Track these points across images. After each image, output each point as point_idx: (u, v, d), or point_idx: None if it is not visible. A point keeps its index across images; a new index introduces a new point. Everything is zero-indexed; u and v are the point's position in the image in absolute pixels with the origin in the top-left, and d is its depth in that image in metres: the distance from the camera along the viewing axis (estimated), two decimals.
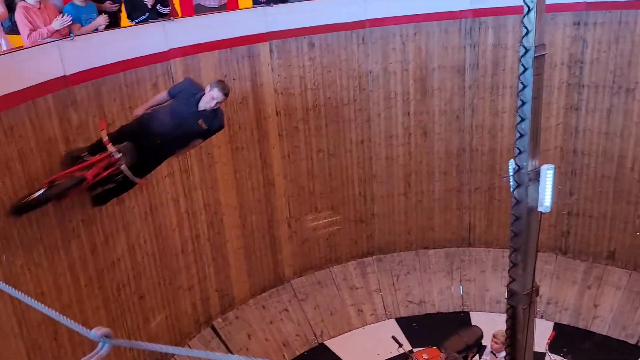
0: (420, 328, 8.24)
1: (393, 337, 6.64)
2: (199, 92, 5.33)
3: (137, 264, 6.45)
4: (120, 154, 5.07)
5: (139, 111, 5.38)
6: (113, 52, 5.89)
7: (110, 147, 5.03)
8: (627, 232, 7.93)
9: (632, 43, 7.19)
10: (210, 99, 5.25)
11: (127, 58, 6.06)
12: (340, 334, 8.23)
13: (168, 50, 6.47)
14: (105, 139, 5.07)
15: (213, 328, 7.63)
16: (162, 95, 5.50)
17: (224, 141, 7.31)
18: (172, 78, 6.55)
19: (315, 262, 8.66)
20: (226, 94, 5.32)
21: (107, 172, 5.15)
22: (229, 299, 7.88)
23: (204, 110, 5.30)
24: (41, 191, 4.83)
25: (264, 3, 7.57)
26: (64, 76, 5.40)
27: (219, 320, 7.73)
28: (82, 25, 6.05)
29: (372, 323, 8.40)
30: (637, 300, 7.77)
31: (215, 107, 5.32)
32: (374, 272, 8.84)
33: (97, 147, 5.21)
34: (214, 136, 7.10)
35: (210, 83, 5.34)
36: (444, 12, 7.84)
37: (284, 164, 7.98)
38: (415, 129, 8.40)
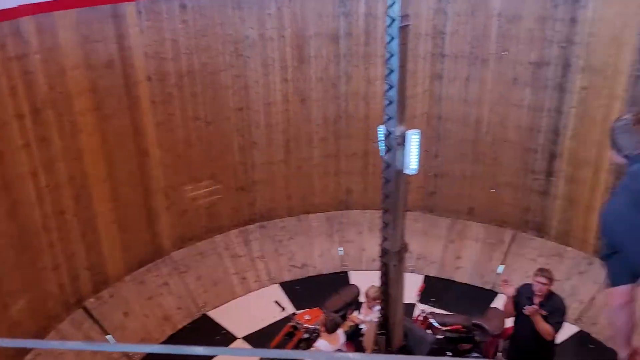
0: (303, 291, 8.49)
1: (276, 302, 6.79)
2: None
3: None
4: None
5: None
6: None
7: None
8: (484, 190, 8.74)
9: (485, 17, 7.77)
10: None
11: None
12: (223, 304, 8.23)
13: (17, 7, 5.82)
14: None
15: (85, 309, 7.23)
16: None
17: (89, 108, 6.81)
18: (24, 38, 5.93)
19: (196, 232, 8.51)
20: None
21: None
22: (102, 276, 7.49)
23: None
24: None
25: None
26: None
27: (92, 300, 7.34)
28: None
29: (255, 290, 8.50)
30: (492, 250, 8.66)
31: None
32: (257, 239, 8.90)
33: None
34: (76, 103, 6.62)
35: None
36: None
37: (158, 132, 7.65)
38: (293, 95, 8.46)
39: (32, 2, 5.93)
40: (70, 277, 7.05)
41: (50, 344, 6.39)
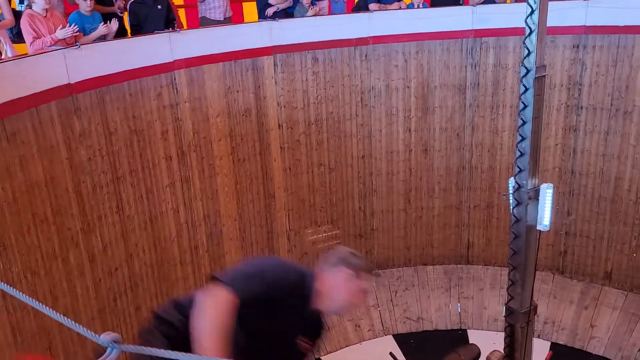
0: (418, 345, 8.21)
1: (391, 354, 6.62)
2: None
3: (134, 274, 6.44)
4: None
5: None
6: (118, 61, 5.96)
7: None
8: (624, 253, 7.95)
9: (630, 67, 7.27)
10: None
11: (132, 67, 6.13)
12: (337, 350, 8.19)
13: (173, 61, 6.54)
14: None
15: None
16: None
17: (226, 152, 7.36)
18: (176, 89, 6.62)
19: None
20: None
21: None
22: None
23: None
24: None
25: (269, 17, 7.69)
26: (69, 84, 5.46)
27: None
28: (84, 34, 6.13)
29: (369, 339, 8.36)
30: (633, 321, 7.77)
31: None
32: (373, 287, 8.83)
33: None
34: (215, 147, 7.20)
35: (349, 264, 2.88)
36: (446, 31, 7.94)
37: (285, 177, 8.01)
38: (415, 145, 8.46)
39: (186, 57, 6.63)
40: None
41: None
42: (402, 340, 8.32)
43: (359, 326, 8.45)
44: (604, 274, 8.20)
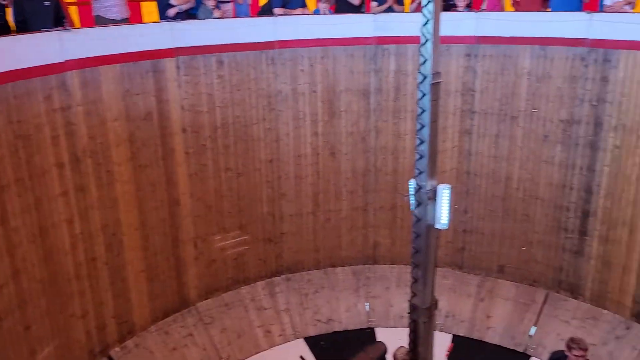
0: (328, 347, 8.31)
1: (301, 357, 6.66)
2: None
3: (22, 290, 5.95)
4: None
5: None
6: (0, 60, 5.49)
7: None
8: (514, 247, 8.57)
9: (515, 75, 7.87)
10: None
11: (17, 68, 5.68)
12: (247, 357, 8.09)
13: (64, 62, 6.15)
14: None
15: (110, 358, 7.20)
16: None
17: (126, 158, 7.03)
18: (68, 91, 6.23)
19: (222, 283, 8.50)
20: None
21: None
22: (128, 325, 7.49)
23: None
24: None
25: (170, 18, 7.46)
26: None
27: (117, 349, 7.32)
28: None
29: (280, 344, 8.35)
30: (524, 310, 8.39)
31: None
32: (283, 291, 8.83)
33: None
34: (114, 153, 6.86)
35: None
36: (350, 37, 8.15)
37: (190, 183, 7.81)
38: (323, 149, 8.59)
39: (79, 57, 6.25)
40: (98, 325, 7.07)
41: None
42: (313, 342, 8.39)
43: (270, 332, 8.41)
44: (498, 268, 8.79)
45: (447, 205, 4.96)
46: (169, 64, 7.25)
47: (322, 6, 8.49)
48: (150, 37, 7.05)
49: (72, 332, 6.71)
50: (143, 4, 9.42)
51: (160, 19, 7.79)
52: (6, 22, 6.61)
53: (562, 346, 6.03)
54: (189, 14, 8.00)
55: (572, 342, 5.58)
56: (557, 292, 8.34)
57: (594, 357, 7.23)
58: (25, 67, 5.75)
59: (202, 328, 8.07)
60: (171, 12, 7.65)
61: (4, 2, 6.52)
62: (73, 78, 6.28)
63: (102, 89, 6.65)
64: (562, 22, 7.38)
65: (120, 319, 7.37)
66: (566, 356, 5.70)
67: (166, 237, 7.73)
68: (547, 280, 8.42)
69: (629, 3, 7.35)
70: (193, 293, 8.22)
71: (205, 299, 8.34)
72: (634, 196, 7.27)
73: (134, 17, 8.59)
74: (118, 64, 6.76)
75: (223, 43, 7.57)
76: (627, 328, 7.60)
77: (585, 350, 5.49)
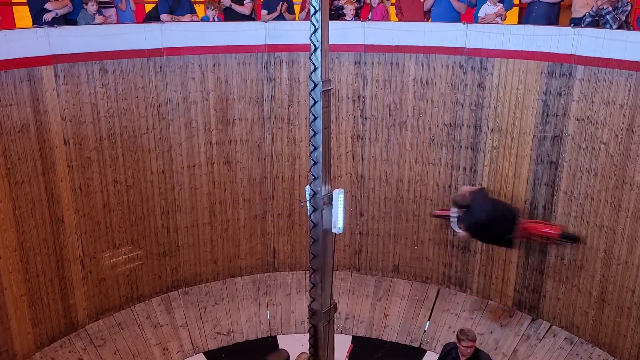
0: (230, 359, 8.15)
1: None
2: None
3: None
4: None
5: None
6: None
7: None
8: (407, 246, 8.97)
9: (402, 82, 8.26)
10: None
11: None
12: None
13: None
14: None
15: None
16: None
17: (0, 174, 6.43)
18: None
19: (114, 302, 8.03)
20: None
21: None
22: (8, 355, 6.83)
23: None
24: None
25: (46, 24, 6.96)
26: None
27: None
28: None
29: None
30: (418, 306, 8.79)
31: None
32: (180, 306, 8.52)
33: None
34: None
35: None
36: (241, 45, 8.09)
37: (75, 198, 7.31)
38: (218, 157, 8.43)
39: None
40: None
41: None
42: (213, 356, 8.18)
43: (167, 349, 8.07)
44: (393, 267, 9.14)
45: (342, 209, 5.08)
46: (46, 72, 6.75)
47: (211, 13, 8.35)
48: (23, 44, 6.52)
49: None
50: (15, 8, 8.72)
51: (34, 24, 7.24)
52: None
53: (453, 338, 6.39)
54: (67, 20, 7.52)
55: (461, 334, 5.93)
56: (448, 287, 8.84)
57: (482, 345, 7.75)
58: None
59: (93, 351, 7.57)
60: (47, 16, 7.15)
61: None
62: None
63: None
64: (442, 32, 7.86)
65: (0, 348, 6.71)
66: (457, 347, 6.05)
67: (49, 257, 7.17)
68: (439, 276, 8.90)
69: (499, 15, 7.99)
70: (82, 315, 7.68)
71: (96, 320, 7.84)
72: (511, 193, 7.90)
73: (5, 23, 7.92)
74: None
75: (106, 50, 7.19)
76: (510, 316, 8.22)
77: (474, 340, 5.86)
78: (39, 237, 6.98)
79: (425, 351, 8.33)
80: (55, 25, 6.88)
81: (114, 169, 7.60)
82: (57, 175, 7.07)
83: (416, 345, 8.45)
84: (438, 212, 8.29)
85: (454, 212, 7.47)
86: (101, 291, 7.85)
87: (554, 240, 7.17)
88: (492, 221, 7.14)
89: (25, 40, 6.57)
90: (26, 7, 7.74)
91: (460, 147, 8.19)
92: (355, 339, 8.49)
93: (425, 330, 8.52)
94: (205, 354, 8.22)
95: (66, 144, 7.09)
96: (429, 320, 8.62)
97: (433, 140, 8.34)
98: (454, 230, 7.77)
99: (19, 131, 6.58)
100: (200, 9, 9.04)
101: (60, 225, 7.20)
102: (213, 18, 8.38)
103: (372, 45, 8.20)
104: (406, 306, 8.83)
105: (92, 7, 7.52)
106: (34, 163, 6.79)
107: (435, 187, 8.53)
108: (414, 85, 8.21)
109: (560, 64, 7.15)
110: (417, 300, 8.84)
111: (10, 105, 6.45)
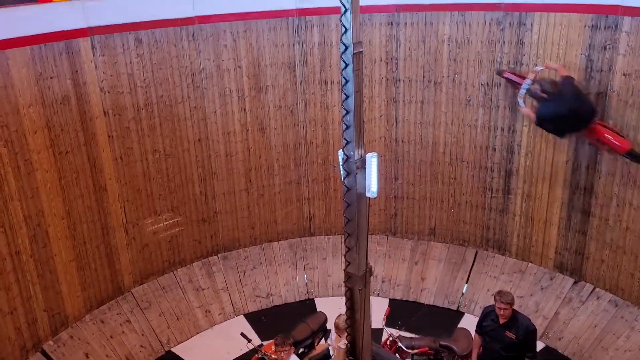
0: (269, 321, 8.39)
1: (242, 334, 6.68)
2: None
3: None
4: None
5: None
6: None
7: None
8: (444, 209, 8.91)
9: (436, 42, 8.06)
10: None
11: None
12: (188, 339, 8.04)
13: None
14: None
15: (43, 352, 6.94)
16: None
17: (44, 145, 6.67)
18: None
19: (157, 267, 8.33)
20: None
21: None
22: (61, 317, 7.23)
23: None
24: None
25: None
26: None
27: (50, 342, 7.06)
28: None
29: (220, 322, 8.34)
30: (455, 270, 8.78)
31: None
32: (220, 270, 8.78)
33: None
34: (31, 140, 6.49)
35: None
36: (272, 10, 8.02)
37: (116, 167, 7.53)
38: (252, 124, 8.50)
39: None
40: (28, 320, 6.77)
41: None
42: (253, 318, 8.44)
43: (209, 311, 8.37)
44: (429, 231, 9.12)
45: (376, 173, 5.05)
46: (83, 44, 6.88)
47: None
48: (61, 17, 6.64)
49: (0, 330, 6.40)
50: None
51: None
52: None
53: (492, 301, 6.37)
54: None
55: (498, 295, 5.90)
56: (486, 250, 8.78)
57: (522, 308, 7.71)
58: None
59: (139, 314, 7.91)
60: None
61: None
62: None
63: (12, 74, 6.23)
64: None
65: (52, 311, 7.10)
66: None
67: (95, 225, 7.45)
68: (476, 239, 8.84)
69: None
70: (127, 279, 8.01)
71: (141, 284, 8.16)
72: (552, 154, 7.69)
73: None
74: (28, 47, 6.34)
75: (140, 20, 7.25)
76: (551, 279, 8.12)
77: (508, 303, 5.82)
78: (84, 205, 7.26)
79: (463, 314, 8.36)
80: None
81: (152, 138, 7.76)
82: (99, 146, 7.28)
83: (454, 308, 8.49)
84: (508, 74, 7.55)
85: (527, 82, 6.87)
86: (145, 256, 8.14)
87: (618, 153, 6.72)
88: (569, 116, 6.60)
89: (62, 13, 6.68)
90: None
91: (498, 107, 7.99)
92: (392, 302, 8.58)
93: (463, 293, 8.53)
94: (246, 315, 8.48)
95: (106, 115, 7.27)
96: (466, 283, 8.61)
97: (469, 101, 8.16)
98: (517, 103, 7.24)
99: (60, 103, 6.77)
100: None
101: (103, 194, 7.45)
102: None
103: (405, 4, 7.99)
104: (443, 269, 8.84)
105: None
106: (76, 134, 7.00)
107: (471, 149, 8.39)
108: (449, 44, 8.00)
109: (606, 16, 6.81)
110: (454, 263, 8.83)
111: (51, 77, 6.63)
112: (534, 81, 6.89)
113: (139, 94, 7.51)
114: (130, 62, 7.33)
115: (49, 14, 6.57)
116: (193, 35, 7.73)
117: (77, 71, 6.87)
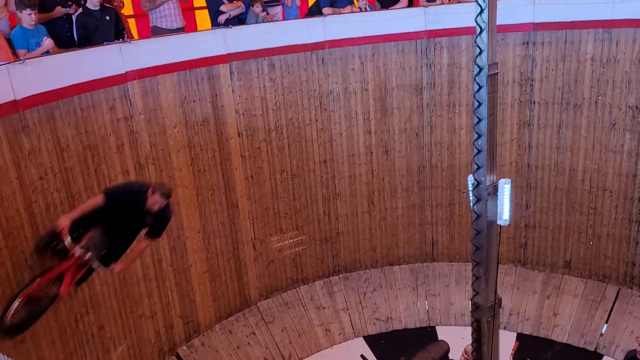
0: (388, 345, 8.25)
1: (362, 356, 6.65)
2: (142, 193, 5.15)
3: (95, 293, 6.25)
4: (89, 252, 4.89)
5: (65, 222, 4.83)
6: (67, 74, 5.77)
7: (77, 250, 4.83)
8: (581, 241, 8.21)
9: (577, 61, 7.53)
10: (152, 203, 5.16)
11: (82, 81, 5.95)
12: (308, 355, 8.17)
13: (125, 73, 6.39)
14: (69, 242, 4.77)
15: (178, 356, 7.44)
16: (97, 199, 5.12)
17: (185, 163, 7.23)
18: (130, 101, 6.47)
19: (281, 283, 8.60)
20: (167, 197, 5.27)
21: (81, 272, 5.08)
22: (194, 325, 7.72)
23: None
24: (17, 304, 4.68)
25: (222, 25, 7.61)
26: (14, 100, 5.26)
27: (184, 347, 7.55)
28: (29, 50, 5.90)
29: (340, 342, 8.37)
30: (594, 307, 8.02)
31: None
32: (341, 290, 8.83)
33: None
34: (174, 159, 7.07)
35: (153, 187, 5.23)
36: (401, 33, 8.04)
37: (247, 185, 7.94)
38: (376, 147, 8.53)
39: (138, 68, 6.49)
40: (166, 325, 7.32)
41: None
42: (372, 341, 8.36)
43: (329, 330, 8.44)
44: (564, 263, 8.44)
45: (508, 200, 4.81)
46: (223, 69, 7.39)
47: (361, 3, 8.39)
48: (203, 45, 7.22)
49: (142, 331, 6.98)
50: (197, 12, 9.66)
51: (212, 26, 7.96)
52: (72, 35, 6.86)
53: (636, 345, 5.73)
54: (240, 20, 8.13)
55: None
56: (630, 288, 7.93)
57: None
58: (90, 79, 6.01)
59: (264, 327, 8.20)
60: (222, 18, 7.79)
61: (71, 12, 6.68)
62: (134, 88, 6.51)
63: (161, 97, 6.86)
64: (630, 1, 6.98)
65: (187, 318, 7.61)
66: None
67: (227, 240, 7.89)
68: (619, 276, 8.02)
69: None
70: (254, 293, 8.36)
71: (266, 299, 8.47)
72: None
73: (189, 26, 8.83)
74: (175, 73, 6.96)
75: (274, 46, 7.64)
76: None
77: None
78: (217, 221, 7.73)
79: (601, 356, 7.60)
80: (230, 25, 7.49)
81: (281, 158, 8.09)
82: (233, 165, 7.74)
83: (591, 348, 7.75)
84: None
85: None
86: (270, 272, 8.45)
87: None
88: None
89: (205, 41, 7.26)
90: (206, 11, 8.54)
91: None
92: (521, 337, 8.03)
93: (602, 333, 7.76)
94: (365, 338, 8.43)
95: (239, 136, 7.72)
96: (606, 322, 7.82)
97: (614, 124, 7.48)
98: None
99: (200, 124, 7.32)
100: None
101: (235, 210, 7.89)
102: (365, 8, 8.42)
103: (543, 22, 7.58)
104: (579, 306, 8.11)
105: (257, 8, 8.03)
106: (213, 153, 7.51)
107: (615, 177, 7.67)
108: (592, 64, 7.43)
109: None
110: (592, 300, 8.07)
111: (194, 101, 7.20)
112: None
113: (270, 116, 7.88)
114: (264, 86, 7.73)
115: (194, 42, 7.17)
116: (322, 60, 7.98)
117: (216, 95, 7.39)
